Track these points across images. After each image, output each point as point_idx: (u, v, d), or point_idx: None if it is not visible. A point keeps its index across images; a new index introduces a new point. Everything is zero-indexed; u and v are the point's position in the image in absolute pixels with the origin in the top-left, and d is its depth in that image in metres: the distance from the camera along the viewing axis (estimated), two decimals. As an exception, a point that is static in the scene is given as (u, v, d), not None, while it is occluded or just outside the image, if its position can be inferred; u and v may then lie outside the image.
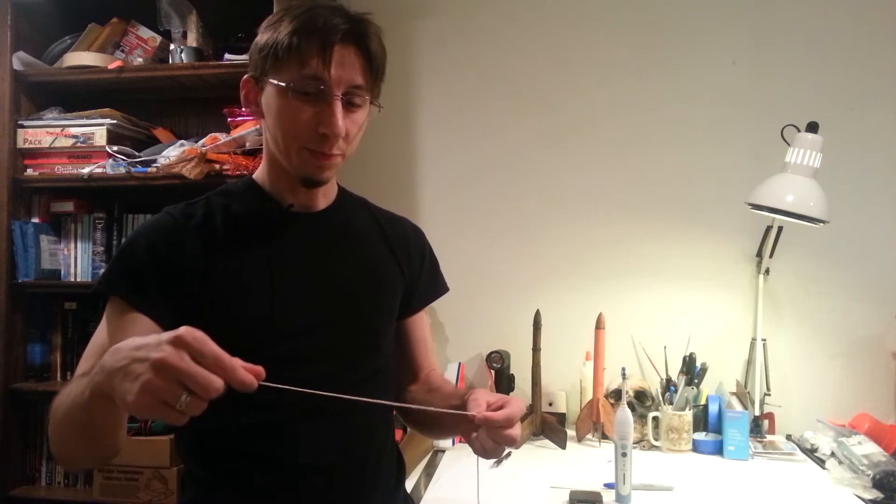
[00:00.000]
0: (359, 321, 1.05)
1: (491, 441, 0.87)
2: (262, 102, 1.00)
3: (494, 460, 1.64)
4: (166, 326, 0.93)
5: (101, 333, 0.97)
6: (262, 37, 0.98)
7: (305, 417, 0.98)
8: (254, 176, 1.08)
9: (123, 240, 1.02)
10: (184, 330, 0.65)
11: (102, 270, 1.03)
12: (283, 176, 1.03)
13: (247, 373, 0.66)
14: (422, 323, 1.22)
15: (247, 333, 0.95)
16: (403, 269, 1.15)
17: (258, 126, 1.89)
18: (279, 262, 1.00)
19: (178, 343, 0.64)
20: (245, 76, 1.02)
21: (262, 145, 1.97)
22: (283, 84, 0.94)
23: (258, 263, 0.99)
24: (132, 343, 0.68)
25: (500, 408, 0.88)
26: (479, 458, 0.91)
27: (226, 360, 0.65)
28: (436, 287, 1.24)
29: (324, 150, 0.96)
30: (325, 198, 1.09)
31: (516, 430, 0.88)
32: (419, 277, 1.18)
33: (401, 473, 1.16)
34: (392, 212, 1.22)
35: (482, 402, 0.89)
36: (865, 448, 1.59)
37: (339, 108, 0.94)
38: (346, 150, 1.00)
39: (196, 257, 0.97)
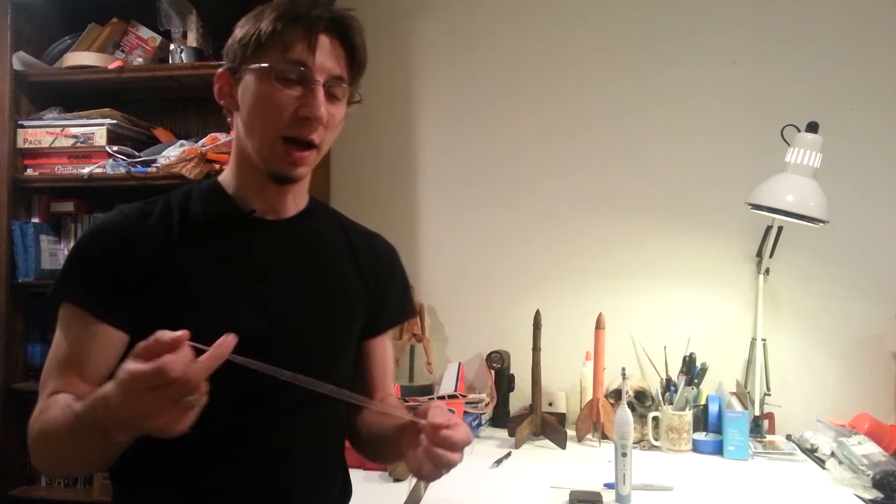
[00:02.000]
0: (314, 337, 1.01)
1: (428, 460, 0.83)
2: (237, 94, 0.97)
3: (495, 460, 1.64)
4: (126, 331, 0.91)
5: (61, 346, 0.92)
6: (242, 29, 0.96)
7: (234, 440, 0.95)
8: (219, 178, 1.04)
9: (74, 241, 0.98)
10: (124, 376, 0.67)
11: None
12: (251, 176, 0.99)
13: (207, 361, 0.69)
14: (383, 346, 1.15)
15: (194, 340, 0.91)
16: (369, 287, 1.09)
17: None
18: (234, 269, 0.97)
19: (128, 389, 0.67)
20: (220, 70, 0.99)
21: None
22: (266, 65, 0.92)
23: (212, 269, 0.95)
24: (96, 410, 0.73)
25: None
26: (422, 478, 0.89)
27: (172, 368, 0.66)
28: (403, 310, 1.19)
29: (302, 135, 0.94)
30: (294, 204, 1.04)
31: (456, 457, 0.84)
32: (385, 298, 1.12)
33: (345, 495, 1.12)
34: (366, 227, 1.17)
35: (434, 414, 0.85)
36: (865, 448, 1.59)
37: (321, 93, 0.93)
38: (323, 142, 0.97)
39: (149, 258, 0.93)
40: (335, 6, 0.98)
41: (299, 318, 1.00)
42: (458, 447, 0.84)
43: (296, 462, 0.99)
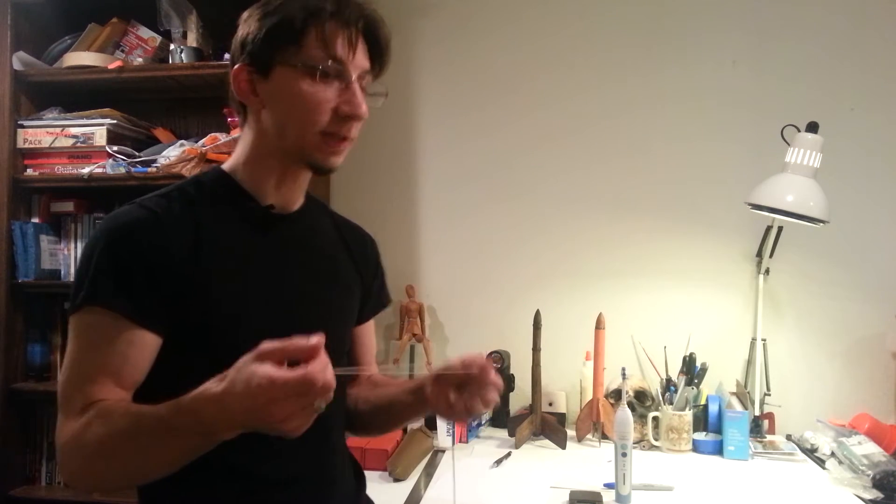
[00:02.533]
0: (331, 328, 1.00)
1: (478, 398, 0.94)
2: (261, 90, 0.94)
3: (494, 460, 1.64)
4: (161, 333, 0.89)
5: (92, 353, 0.87)
6: (264, 22, 0.93)
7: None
8: (225, 168, 1.01)
9: (95, 238, 0.90)
10: (262, 381, 0.68)
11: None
12: (271, 171, 0.99)
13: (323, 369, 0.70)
14: (369, 330, 1.22)
15: (221, 332, 0.91)
16: (363, 276, 1.14)
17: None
18: (257, 263, 0.98)
19: (264, 395, 0.68)
20: (238, 65, 0.95)
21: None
22: (311, 65, 0.91)
23: (237, 263, 0.95)
24: (221, 405, 0.72)
25: None
26: (455, 422, 0.99)
27: (313, 375, 0.69)
28: (383, 298, 1.24)
29: (342, 132, 0.94)
30: (300, 199, 1.06)
31: (496, 395, 0.96)
32: (372, 286, 1.18)
33: (360, 480, 1.16)
34: (347, 218, 1.20)
35: (481, 362, 0.95)
36: (865, 448, 1.60)
37: (359, 90, 0.94)
38: (355, 136, 0.98)
39: (182, 257, 0.90)
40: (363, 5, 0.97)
41: (320, 311, 1.03)
42: (500, 388, 0.97)
43: (330, 448, 1.04)
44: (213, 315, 0.91)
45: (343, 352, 1.10)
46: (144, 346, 0.88)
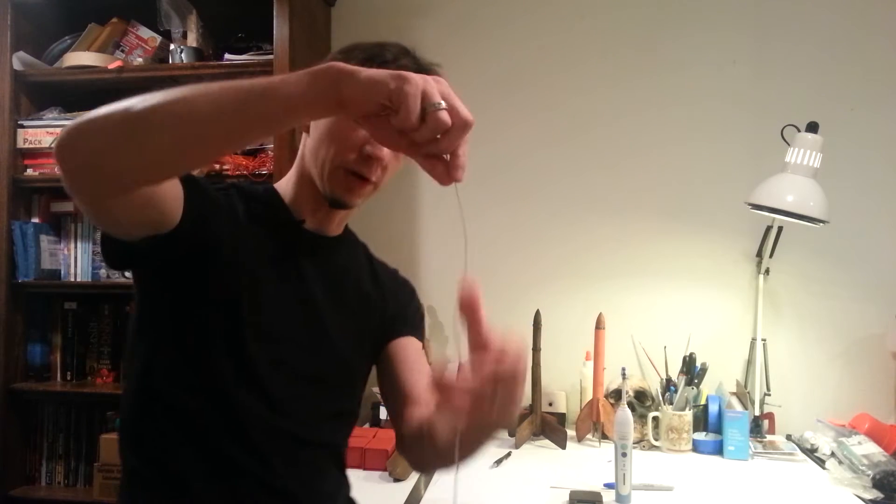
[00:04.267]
0: (337, 351, 1.06)
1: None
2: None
3: (495, 460, 1.64)
4: (181, 217, 0.87)
5: None
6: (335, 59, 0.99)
7: (268, 437, 0.98)
8: (276, 185, 1.09)
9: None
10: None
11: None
12: (307, 193, 1.04)
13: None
14: (412, 347, 1.15)
15: (239, 328, 0.95)
16: (387, 301, 1.15)
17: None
18: (279, 271, 1.01)
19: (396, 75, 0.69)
20: None
21: (261, 146, 1.97)
22: None
23: (263, 265, 1.00)
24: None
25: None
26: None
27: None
28: (418, 331, 1.21)
29: (363, 172, 0.99)
30: (337, 228, 1.10)
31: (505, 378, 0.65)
32: (406, 310, 1.19)
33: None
34: (386, 263, 1.23)
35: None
36: (865, 448, 1.60)
37: None
38: (380, 181, 1.02)
39: (221, 231, 0.95)
40: (420, 58, 1.01)
41: (331, 331, 1.05)
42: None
43: (302, 467, 1.02)
44: (233, 298, 0.95)
45: (350, 382, 1.10)
46: (174, 187, 0.85)
